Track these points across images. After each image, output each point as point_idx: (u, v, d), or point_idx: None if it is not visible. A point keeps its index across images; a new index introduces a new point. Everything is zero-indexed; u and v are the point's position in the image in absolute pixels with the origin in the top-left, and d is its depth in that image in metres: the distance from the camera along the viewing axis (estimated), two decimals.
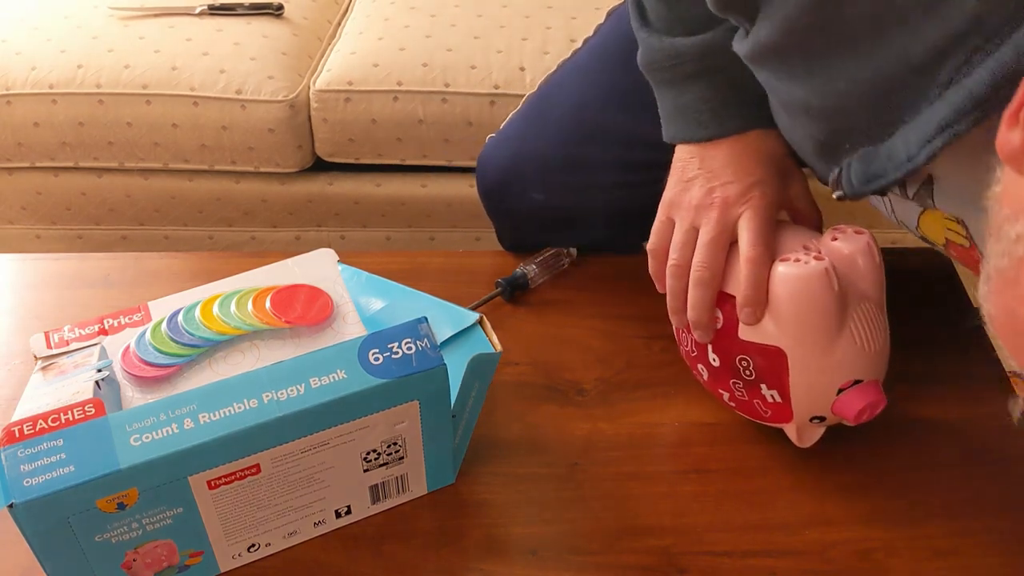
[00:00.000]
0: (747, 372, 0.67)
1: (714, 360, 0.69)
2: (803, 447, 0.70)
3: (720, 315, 0.67)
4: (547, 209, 0.92)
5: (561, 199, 0.91)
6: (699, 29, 0.71)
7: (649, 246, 0.74)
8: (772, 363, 0.65)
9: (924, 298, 0.85)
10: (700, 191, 0.70)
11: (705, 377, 0.72)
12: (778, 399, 0.67)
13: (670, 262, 0.71)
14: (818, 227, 0.74)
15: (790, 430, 0.70)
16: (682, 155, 0.73)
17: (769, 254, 0.66)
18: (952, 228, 0.64)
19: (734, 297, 0.66)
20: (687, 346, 0.73)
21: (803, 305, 0.64)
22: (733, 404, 0.71)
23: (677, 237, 0.71)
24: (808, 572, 0.66)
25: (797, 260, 0.64)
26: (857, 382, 0.65)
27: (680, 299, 0.70)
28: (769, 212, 0.69)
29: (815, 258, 0.63)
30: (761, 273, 0.65)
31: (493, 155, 0.94)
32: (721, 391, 0.71)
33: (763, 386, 0.67)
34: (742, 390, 0.69)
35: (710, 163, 0.71)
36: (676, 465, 0.74)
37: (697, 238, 0.69)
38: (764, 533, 0.68)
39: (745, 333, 0.66)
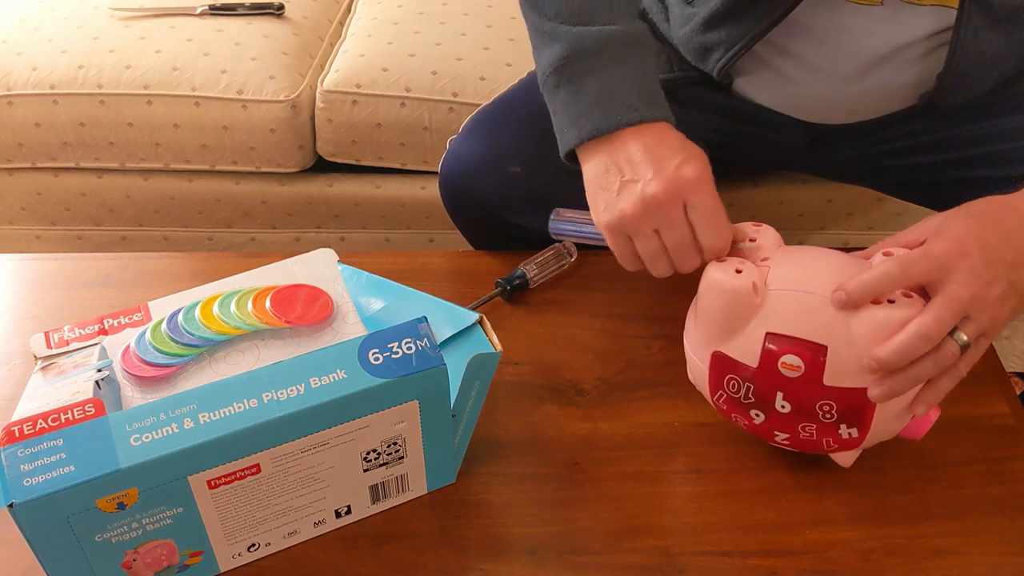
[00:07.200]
0: (827, 415, 0.64)
1: (783, 407, 0.65)
2: (847, 467, 0.69)
3: (802, 363, 0.63)
4: (522, 187, 0.90)
5: (537, 173, 0.90)
6: (606, 20, 0.70)
7: (626, 267, 0.72)
8: (859, 403, 0.63)
9: None
10: (632, 198, 0.67)
11: (758, 422, 0.67)
12: (855, 435, 0.65)
13: (657, 274, 0.70)
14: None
15: (844, 456, 0.69)
16: (592, 168, 0.70)
17: (730, 233, 0.67)
18: None
19: (820, 346, 0.62)
20: (735, 392, 0.67)
21: None
22: (788, 443, 0.68)
23: (645, 250, 0.69)
24: (808, 572, 0.66)
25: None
26: None
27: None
28: (712, 186, 0.66)
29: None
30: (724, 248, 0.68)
31: (466, 141, 0.93)
32: (777, 433, 0.67)
33: (843, 426, 0.65)
34: (812, 431, 0.66)
35: (625, 162, 0.68)
36: (676, 465, 0.74)
37: (664, 241, 0.68)
38: (764, 533, 0.68)
39: (834, 379, 0.63)
